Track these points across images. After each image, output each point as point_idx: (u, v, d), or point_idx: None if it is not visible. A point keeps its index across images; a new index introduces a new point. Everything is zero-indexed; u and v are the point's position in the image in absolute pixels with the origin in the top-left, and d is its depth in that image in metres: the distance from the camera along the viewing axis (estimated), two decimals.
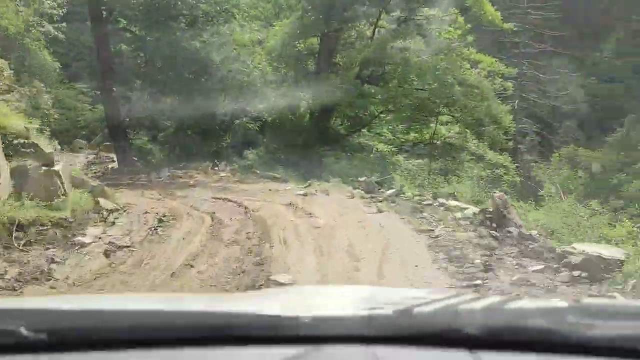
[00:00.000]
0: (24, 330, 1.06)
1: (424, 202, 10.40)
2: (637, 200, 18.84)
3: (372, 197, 11.00)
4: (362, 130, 20.48)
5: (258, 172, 14.89)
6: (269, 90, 25.11)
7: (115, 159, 19.96)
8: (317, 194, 11.43)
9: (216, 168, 16.62)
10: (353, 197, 11.10)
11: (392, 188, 12.18)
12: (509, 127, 17.85)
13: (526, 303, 1.51)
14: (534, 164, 27.17)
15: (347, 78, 20.01)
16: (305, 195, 11.18)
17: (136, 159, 23.03)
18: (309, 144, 18.29)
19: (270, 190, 11.96)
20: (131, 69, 21.02)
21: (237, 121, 26.70)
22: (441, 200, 10.54)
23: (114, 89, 20.37)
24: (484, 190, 14.10)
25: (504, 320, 1.17)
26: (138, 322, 1.17)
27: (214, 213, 8.85)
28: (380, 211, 9.54)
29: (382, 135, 20.30)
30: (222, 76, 22.91)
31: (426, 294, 1.52)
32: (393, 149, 19.38)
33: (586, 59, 34.78)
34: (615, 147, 28.35)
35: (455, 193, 12.44)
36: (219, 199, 10.54)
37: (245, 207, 9.48)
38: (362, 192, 11.62)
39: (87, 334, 1.12)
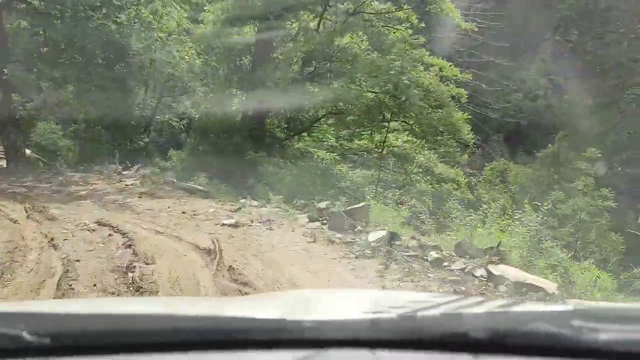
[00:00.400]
0: (26, 335, 1.06)
1: (454, 266, 6.58)
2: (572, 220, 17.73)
3: (348, 244, 7.21)
4: (302, 134, 18.04)
5: (175, 181, 11.94)
6: (196, 85, 22.36)
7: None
8: (254, 225, 8.10)
9: (125, 172, 13.67)
10: (314, 241, 7.35)
11: (369, 224, 8.34)
12: (468, 137, 15.99)
13: (530, 307, 1.51)
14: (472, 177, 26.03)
15: (286, 74, 17.58)
16: (235, 225, 7.92)
17: (39, 157, 19.65)
18: (241, 148, 15.66)
19: (184, 212, 8.89)
20: (30, 50, 17.56)
21: (159, 117, 23.76)
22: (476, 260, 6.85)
23: (5, 71, 16.90)
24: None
25: (508, 324, 1.15)
26: (141, 326, 1.17)
27: (69, 261, 5.59)
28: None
29: (324, 142, 17.95)
30: (141, 65, 19.94)
31: (430, 297, 1.51)
32: (336, 157, 17.06)
33: (513, 74, 34.61)
34: (545, 164, 27.90)
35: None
36: (105, 225, 7.33)
37: (134, 251, 6.04)
38: (325, 228, 7.99)
39: (90, 338, 1.12)
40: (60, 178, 12.47)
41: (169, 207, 9.26)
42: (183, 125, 23.45)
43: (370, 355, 1.07)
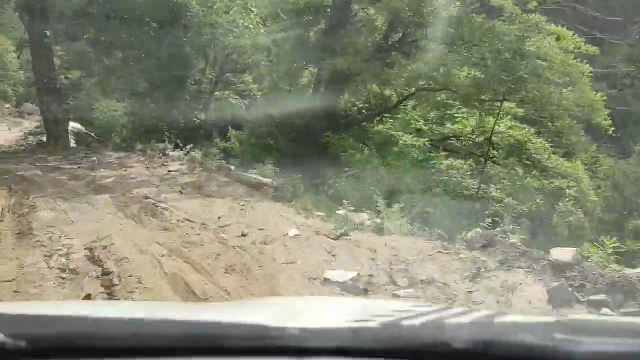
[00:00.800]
0: (2, 337, 1.03)
1: None
2: None
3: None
4: (385, 115, 14.96)
5: (232, 168, 9.10)
6: (260, 58, 19.69)
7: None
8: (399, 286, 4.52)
9: (172, 153, 11.07)
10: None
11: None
12: (605, 123, 12.40)
13: (513, 318, 1.39)
14: None
15: (368, 42, 14.55)
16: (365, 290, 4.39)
17: (88, 132, 17.63)
18: (312, 129, 12.81)
19: (243, 236, 5.55)
20: (71, 9, 15.33)
21: (217, 94, 21.26)
22: None
23: (47, 33, 14.76)
24: None
25: (490, 335, 1.14)
26: (121, 330, 1.14)
27: None
28: None
29: (410, 124, 14.80)
30: (200, 31, 17.43)
31: (414, 307, 1.43)
32: (427, 144, 13.89)
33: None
34: None
35: None
36: (96, 262, 4.31)
37: None
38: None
39: (67, 340, 1.09)
40: (94, 158, 10.02)
41: (219, 218, 6.15)
42: (243, 103, 20.89)
43: None
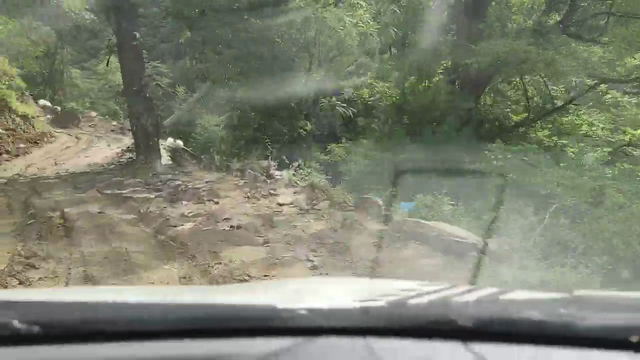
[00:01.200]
0: (17, 323, 1.04)
1: None
2: None
3: None
4: (546, 117, 11.43)
5: (381, 203, 5.65)
6: (368, 61, 16.87)
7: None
8: None
9: (278, 174, 8.39)
10: None
11: None
12: None
13: (519, 295, 1.41)
14: None
15: (522, 25, 11.20)
16: None
17: (185, 148, 15.80)
18: (455, 134, 9.68)
19: None
20: (162, 7, 13.39)
21: (324, 102, 18.68)
22: None
23: (136, 34, 12.97)
24: None
25: (496, 312, 1.15)
26: (131, 314, 1.15)
27: None
28: None
29: (579, 130, 11.18)
30: (302, 28, 15.01)
31: (420, 285, 1.45)
32: (605, 154, 10.21)
33: None
34: None
35: None
36: None
37: None
38: None
39: (81, 326, 1.10)
40: (179, 182, 7.59)
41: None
42: (352, 112, 18.15)
43: (361, 342, 1.07)
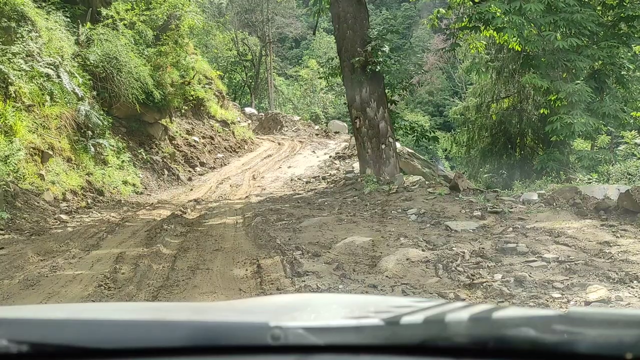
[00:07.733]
0: (4, 341, 1.04)
1: None
2: None
3: None
4: None
5: None
6: None
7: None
8: None
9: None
10: None
11: None
12: None
13: (513, 312, 1.42)
14: None
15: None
16: None
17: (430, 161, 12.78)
18: None
19: None
20: None
21: None
22: None
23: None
24: None
25: (491, 329, 1.16)
26: (125, 332, 1.15)
27: None
28: None
29: None
30: None
31: (414, 302, 1.47)
32: None
33: None
34: None
35: None
36: None
37: None
38: None
39: (69, 344, 1.10)
40: (420, 214, 4.23)
41: None
42: None
43: None
